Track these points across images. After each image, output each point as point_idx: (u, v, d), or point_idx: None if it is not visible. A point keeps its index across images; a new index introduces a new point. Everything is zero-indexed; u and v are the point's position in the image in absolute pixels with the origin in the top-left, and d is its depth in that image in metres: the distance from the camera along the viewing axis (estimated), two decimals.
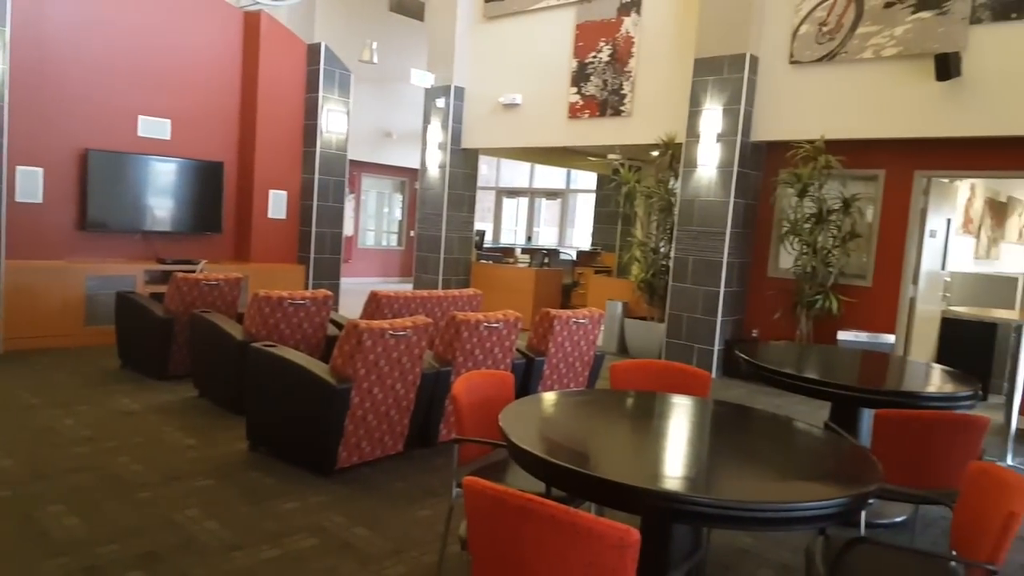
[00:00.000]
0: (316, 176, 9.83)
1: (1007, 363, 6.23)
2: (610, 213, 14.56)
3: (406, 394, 4.35)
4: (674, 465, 2.35)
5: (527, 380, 5.13)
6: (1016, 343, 5.04)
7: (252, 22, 9.34)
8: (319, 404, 4.00)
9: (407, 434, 4.48)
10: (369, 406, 4.14)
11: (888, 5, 6.79)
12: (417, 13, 15.16)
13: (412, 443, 4.56)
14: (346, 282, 12.28)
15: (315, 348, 5.53)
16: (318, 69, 9.72)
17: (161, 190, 8.54)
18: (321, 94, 9.76)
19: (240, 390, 4.79)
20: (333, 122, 9.93)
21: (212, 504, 3.60)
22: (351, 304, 8.79)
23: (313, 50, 9.82)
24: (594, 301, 9.55)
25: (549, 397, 3.02)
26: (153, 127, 8.49)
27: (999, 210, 10.18)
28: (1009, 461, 5.03)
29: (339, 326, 5.94)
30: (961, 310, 5.45)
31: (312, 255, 9.87)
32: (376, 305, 5.72)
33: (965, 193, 8.83)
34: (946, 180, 7.45)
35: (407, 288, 8.40)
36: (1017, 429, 5.26)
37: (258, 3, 10.31)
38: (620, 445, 2.61)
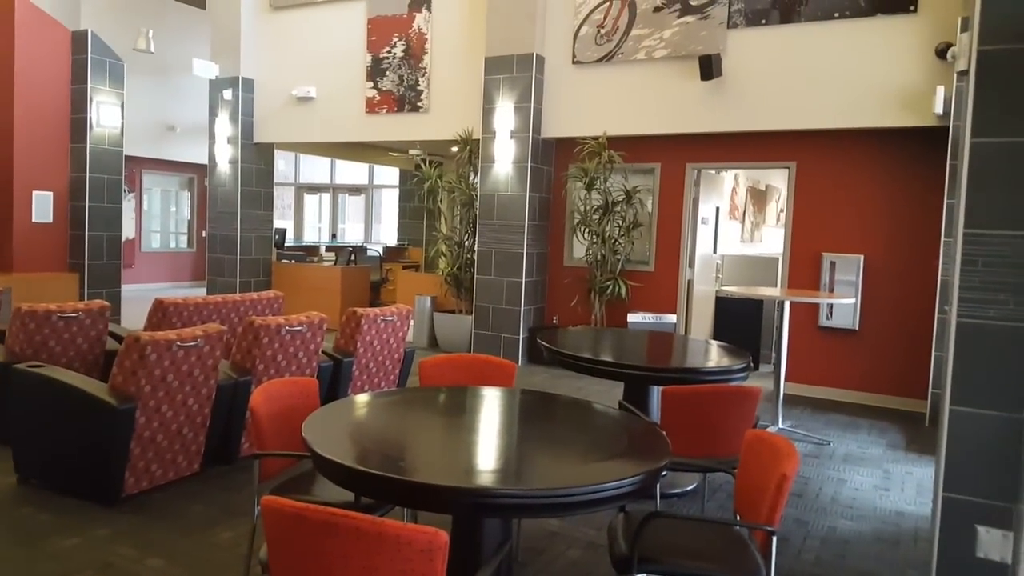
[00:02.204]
0: (87, 174, 8.89)
1: (773, 335, 7.06)
2: (415, 208, 14.56)
3: (200, 409, 4.07)
4: (483, 460, 2.40)
5: (335, 383, 5.00)
6: (780, 317, 5.73)
7: (5, 6, 8.22)
8: (98, 428, 3.63)
9: (204, 452, 4.19)
10: (158, 426, 3.82)
11: (657, 9, 7.38)
12: (197, 1, 14.11)
13: (211, 461, 4.27)
14: (129, 289, 11.23)
15: (92, 366, 5.00)
16: (85, 58, 8.80)
17: None
18: (89, 85, 8.83)
19: (3, 418, 4.22)
20: (105, 115, 9.02)
21: None
22: (135, 314, 8.05)
23: (79, 38, 8.86)
24: (403, 297, 9.52)
25: (357, 400, 2.97)
26: None
27: (760, 197, 11.51)
28: (780, 425, 5.70)
29: (120, 339, 5.41)
30: (732, 289, 6.09)
31: (86, 261, 8.92)
32: (162, 314, 5.28)
33: (730, 183, 9.87)
34: (714, 171, 8.27)
35: (200, 293, 7.85)
36: (785, 395, 5.98)
37: None
38: (429, 445, 2.62)
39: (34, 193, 8.53)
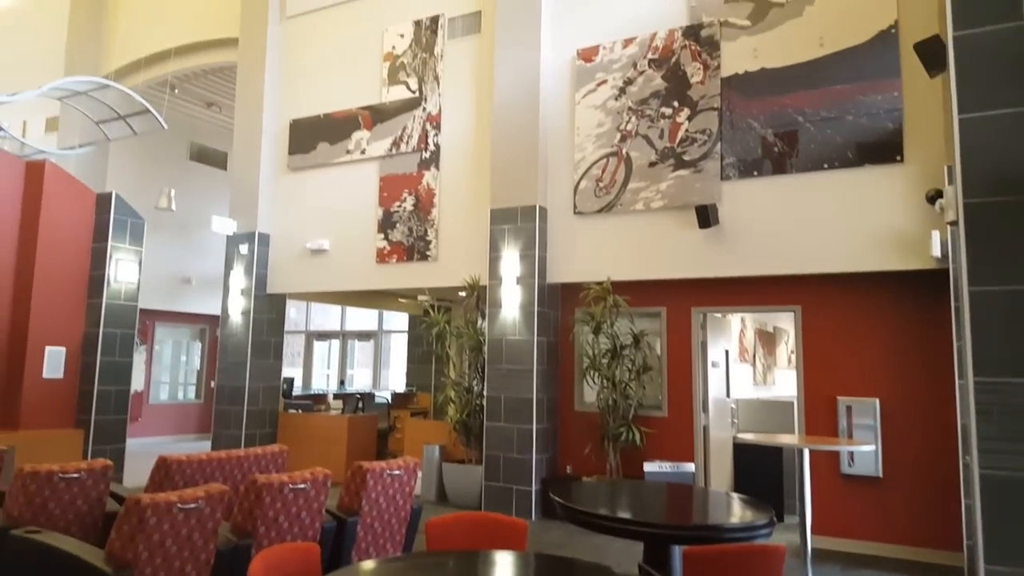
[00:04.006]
0: (101, 329, 9.01)
1: (794, 483, 6.81)
2: (424, 353, 14.60)
3: None
4: None
5: (339, 545, 4.79)
6: (801, 468, 5.52)
7: (35, 171, 8.74)
8: None
9: None
10: None
11: (652, 164, 7.74)
12: (218, 162, 14.96)
13: None
14: (135, 444, 11.08)
15: (91, 529, 4.83)
16: (108, 218, 9.18)
17: None
18: (110, 243, 9.17)
19: None
20: (123, 271, 9.28)
21: None
22: (139, 470, 7.88)
23: (103, 199, 9.31)
24: (411, 446, 9.32)
25: (358, 571, 2.82)
26: None
27: (769, 340, 11.52)
28: None
29: (121, 500, 5.26)
30: (749, 437, 5.92)
31: (93, 417, 8.84)
32: (165, 472, 5.17)
33: (738, 326, 9.92)
34: (719, 315, 8.33)
35: (205, 447, 7.72)
36: (812, 549, 5.66)
37: (43, 152, 9.68)
38: None
39: (47, 349, 8.61)
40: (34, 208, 8.64)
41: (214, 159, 14.93)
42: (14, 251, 8.58)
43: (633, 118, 7.91)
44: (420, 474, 7.23)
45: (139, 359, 13.50)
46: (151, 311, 13.34)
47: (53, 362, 8.70)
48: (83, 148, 10.78)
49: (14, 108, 11.17)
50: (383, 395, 13.42)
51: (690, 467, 6.96)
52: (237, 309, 10.13)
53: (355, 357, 17.80)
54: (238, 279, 10.19)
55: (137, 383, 13.19)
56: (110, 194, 9.32)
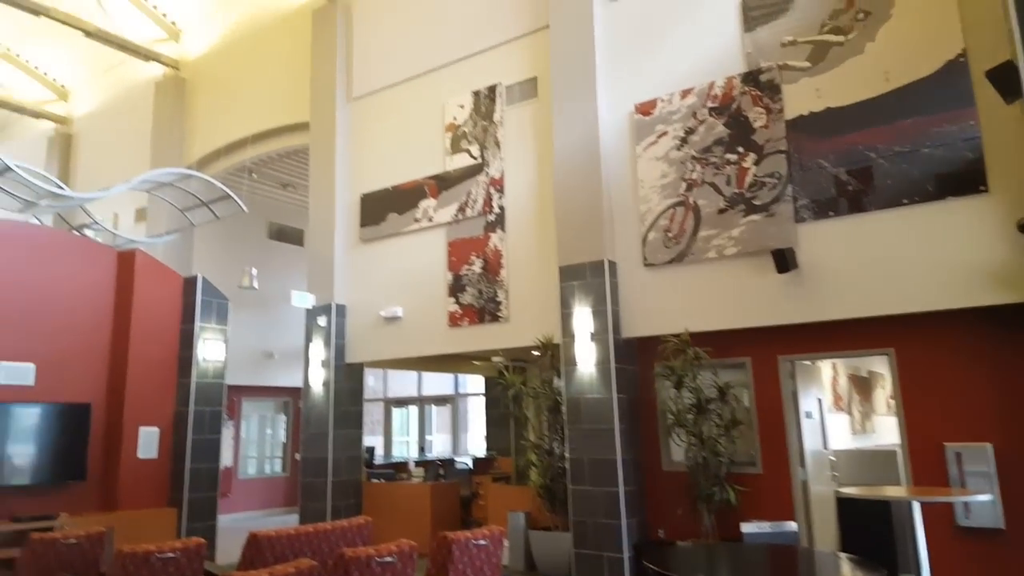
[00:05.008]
0: (191, 408, 9.33)
1: (905, 538, 6.34)
2: (502, 415, 14.50)
3: None
4: None
5: None
6: (913, 523, 5.14)
7: (127, 260, 9.25)
8: None
9: None
10: None
11: (722, 211, 7.59)
12: (296, 239, 15.57)
13: None
14: (226, 519, 11.30)
15: None
16: (195, 300, 9.60)
17: (20, 439, 7.90)
18: (197, 324, 9.55)
19: None
20: (210, 351, 9.64)
21: None
22: (230, 547, 8.00)
23: (190, 282, 9.76)
24: (495, 513, 9.17)
25: None
26: (16, 373, 8.03)
27: (864, 385, 10.92)
28: None
29: None
30: (851, 491, 5.56)
31: (186, 495, 9.07)
32: (256, 549, 5.22)
33: (829, 372, 9.47)
34: (808, 362, 7.98)
35: (293, 520, 7.78)
36: None
37: (134, 241, 10.27)
38: None
39: (141, 429, 8.94)
40: (127, 295, 9.11)
41: (291, 237, 15.55)
42: (109, 337, 9.03)
43: (698, 166, 7.83)
44: (506, 543, 7.07)
45: (227, 434, 13.89)
46: (237, 386, 13.76)
47: (147, 442, 9.01)
48: (170, 235, 11.39)
49: (106, 202, 11.97)
50: (463, 461, 13.35)
51: (792, 526, 6.56)
52: (318, 380, 10.33)
53: (433, 422, 17.86)
54: (318, 350, 10.43)
55: (226, 459, 13.53)
56: (196, 277, 9.75)
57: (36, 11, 12.20)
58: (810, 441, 7.54)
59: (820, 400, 8.21)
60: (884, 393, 11.26)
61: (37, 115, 16.04)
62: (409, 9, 10.75)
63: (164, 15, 13.82)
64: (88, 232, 11.07)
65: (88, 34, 12.69)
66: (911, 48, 6.72)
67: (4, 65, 15.34)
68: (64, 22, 12.46)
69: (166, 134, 13.67)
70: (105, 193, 9.77)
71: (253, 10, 12.94)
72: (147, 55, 13.68)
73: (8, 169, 8.01)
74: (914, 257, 6.49)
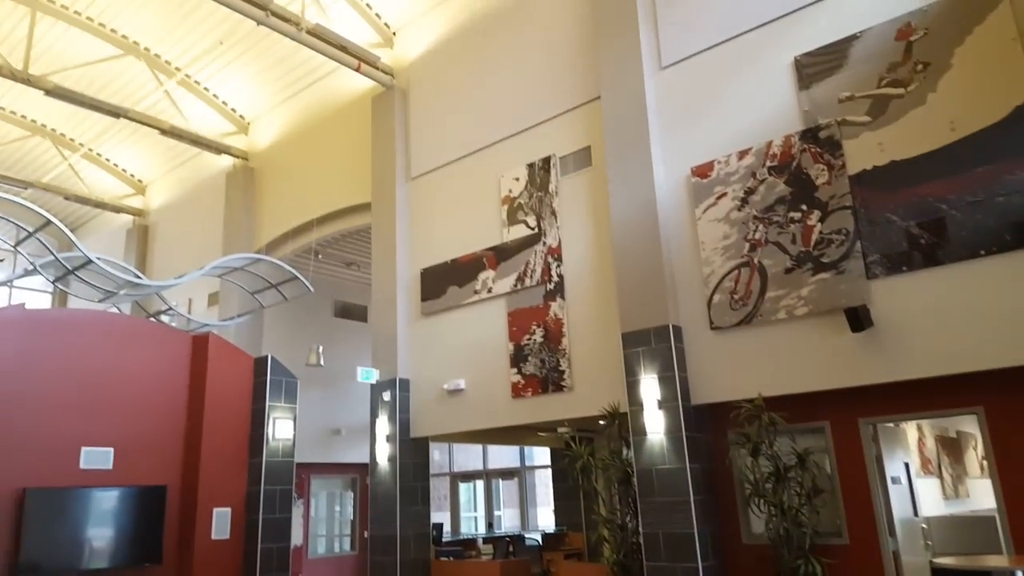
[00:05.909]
0: (262, 487, 9.40)
1: None
2: (570, 488, 14.13)
3: None
4: None
5: None
6: None
7: (200, 344, 9.56)
8: None
9: None
10: None
11: (789, 271, 7.41)
12: (360, 316, 15.89)
13: None
14: None
15: None
16: (265, 380, 9.80)
17: (100, 522, 8.12)
18: (268, 403, 9.73)
19: None
20: (280, 429, 9.77)
21: None
22: None
23: (260, 362, 9.98)
24: None
25: None
26: (96, 458, 8.30)
27: (953, 446, 10.28)
28: None
29: None
30: (947, 561, 5.19)
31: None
32: None
33: (914, 434, 8.96)
34: (891, 424, 7.58)
35: None
36: None
37: (207, 325, 10.62)
38: None
39: (215, 511, 9.04)
40: (200, 377, 9.38)
41: (356, 314, 15.88)
42: (184, 418, 9.27)
43: (760, 226, 7.71)
44: None
45: (297, 513, 13.92)
46: (305, 464, 13.86)
47: (221, 523, 9.09)
48: (241, 317, 11.76)
49: (181, 288, 12.48)
50: (533, 536, 13.01)
51: None
52: (384, 455, 10.32)
53: (500, 496, 17.54)
54: (383, 426, 10.46)
55: (296, 537, 13.52)
56: (266, 357, 9.99)
57: (116, 113, 13.11)
58: (899, 508, 7.09)
59: (907, 464, 7.76)
60: (976, 454, 10.57)
61: (117, 209, 17.05)
62: (462, 90, 11.13)
63: (234, 110, 14.66)
64: (164, 318, 11.53)
65: (163, 132, 13.54)
66: (976, 96, 6.57)
67: (86, 164, 16.44)
68: (141, 122, 13.34)
69: (236, 221, 14.30)
70: (180, 280, 10.21)
71: (316, 99, 13.61)
72: (218, 148, 14.47)
73: (89, 262, 8.46)
74: (996, 309, 6.18)
